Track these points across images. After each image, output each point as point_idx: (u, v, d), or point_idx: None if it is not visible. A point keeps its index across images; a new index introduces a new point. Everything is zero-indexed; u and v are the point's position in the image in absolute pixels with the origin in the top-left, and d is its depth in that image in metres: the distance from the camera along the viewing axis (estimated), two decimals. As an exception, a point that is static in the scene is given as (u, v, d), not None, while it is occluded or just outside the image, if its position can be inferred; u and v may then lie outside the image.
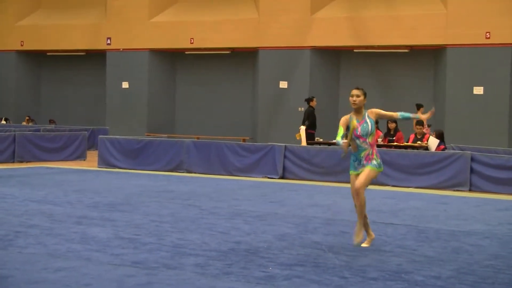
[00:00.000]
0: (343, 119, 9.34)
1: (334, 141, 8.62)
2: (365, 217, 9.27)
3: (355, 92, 9.37)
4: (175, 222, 10.78)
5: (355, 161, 9.34)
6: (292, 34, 27.36)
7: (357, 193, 9.12)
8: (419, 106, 21.02)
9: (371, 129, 9.27)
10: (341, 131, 9.29)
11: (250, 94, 29.36)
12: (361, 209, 9.15)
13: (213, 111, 30.25)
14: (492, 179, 16.51)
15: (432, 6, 25.74)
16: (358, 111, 9.37)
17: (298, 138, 22.01)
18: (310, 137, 21.83)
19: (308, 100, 22.65)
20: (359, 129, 9.27)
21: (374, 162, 9.21)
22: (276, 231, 10.12)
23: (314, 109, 22.46)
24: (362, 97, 9.34)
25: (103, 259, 8.07)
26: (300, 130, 21.81)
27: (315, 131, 22.29)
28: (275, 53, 27.73)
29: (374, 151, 9.28)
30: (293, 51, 27.44)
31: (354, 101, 9.32)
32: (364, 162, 9.22)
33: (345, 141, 9.30)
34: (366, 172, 9.16)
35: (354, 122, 9.29)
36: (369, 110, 9.41)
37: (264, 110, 27.78)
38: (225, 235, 9.73)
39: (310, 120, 22.13)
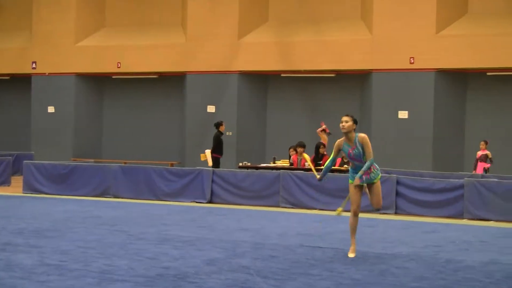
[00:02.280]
0: (337, 143, 10.40)
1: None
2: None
3: (344, 118, 10.29)
4: (102, 248, 10.66)
5: (354, 173, 10.40)
6: (220, 58, 27.44)
7: (378, 209, 10.83)
8: None
9: (362, 152, 10.22)
10: (332, 154, 10.47)
11: (178, 118, 29.28)
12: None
13: (140, 135, 30.07)
14: (417, 202, 16.76)
15: (358, 31, 26.14)
16: (348, 136, 10.30)
17: (202, 160, 22.09)
18: (215, 161, 21.89)
19: (217, 125, 22.65)
20: (353, 154, 10.29)
21: (373, 175, 10.33)
22: (204, 256, 10.09)
23: (222, 133, 22.52)
24: (350, 123, 10.25)
25: (29, 286, 7.93)
26: (206, 152, 21.91)
27: (221, 156, 22.32)
28: (202, 77, 27.75)
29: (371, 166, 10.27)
30: (221, 76, 27.50)
31: (343, 126, 10.25)
32: (364, 176, 10.24)
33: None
34: (376, 190, 10.44)
35: (346, 147, 10.32)
36: (360, 136, 10.30)
37: (192, 135, 27.74)
38: (153, 260, 9.66)
39: (214, 144, 22.18)
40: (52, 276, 8.48)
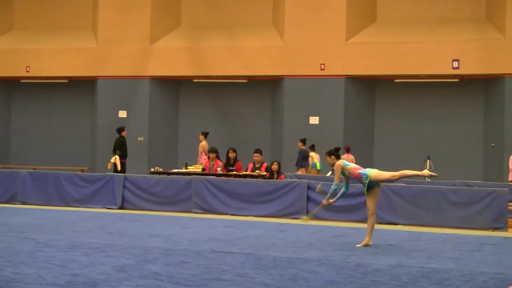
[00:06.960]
0: None
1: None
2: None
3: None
4: (9, 255, 10.45)
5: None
6: (132, 63, 27.28)
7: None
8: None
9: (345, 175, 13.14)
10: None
11: (89, 123, 28.98)
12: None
13: (50, 141, 29.62)
14: (328, 206, 16.87)
15: (269, 38, 26.35)
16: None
17: (109, 167, 21.94)
18: (122, 166, 21.87)
19: (120, 130, 22.65)
20: None
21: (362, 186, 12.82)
22: (115, 263, 10.00)
23: (125, 138, 22.51)
24: (328, 158, 13.49)
25: None
26: (114, 159, 21.77)
27: (126, 160, 22.33)
28: (114, 82, 27.53)
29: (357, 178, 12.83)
30: (133, 81, 27.34)
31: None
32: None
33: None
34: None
35: None
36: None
37: (103, 140, 27.47)
38: (62, 267, 9.52)
39: (122, 150, 22.18)
40: (-43, 285, 8.29)
